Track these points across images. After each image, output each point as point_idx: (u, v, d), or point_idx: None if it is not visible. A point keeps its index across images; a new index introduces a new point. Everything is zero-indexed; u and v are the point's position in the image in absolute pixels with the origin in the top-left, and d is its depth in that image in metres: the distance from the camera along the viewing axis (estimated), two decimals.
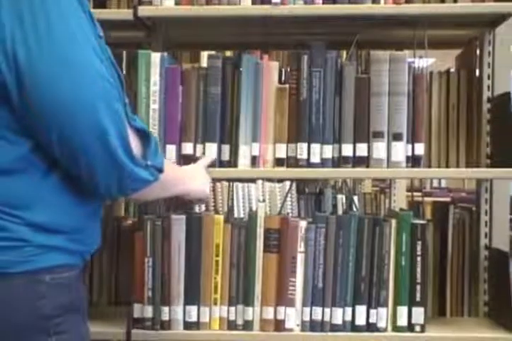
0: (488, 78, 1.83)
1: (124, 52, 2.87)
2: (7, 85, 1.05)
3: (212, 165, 1.64)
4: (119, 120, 1.08)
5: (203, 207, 2.43)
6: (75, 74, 1.04)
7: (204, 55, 2.62)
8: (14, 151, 1.07)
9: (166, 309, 1.64)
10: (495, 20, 1.77)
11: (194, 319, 1.65)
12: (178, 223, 1.64)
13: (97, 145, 1.07)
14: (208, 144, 1.66)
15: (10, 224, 1.06)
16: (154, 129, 1.65)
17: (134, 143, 1.13)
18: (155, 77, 1.65)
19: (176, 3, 1.71)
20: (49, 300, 1.09)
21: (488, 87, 1.82)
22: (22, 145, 1.08)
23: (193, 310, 1.64)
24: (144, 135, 1.16)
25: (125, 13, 1.70)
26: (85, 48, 1.07)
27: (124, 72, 2.66)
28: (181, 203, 1.60)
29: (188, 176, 1.39)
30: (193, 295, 1.64)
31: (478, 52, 1.88)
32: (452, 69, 1.90)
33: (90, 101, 1.05)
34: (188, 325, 1.65)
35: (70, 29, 1.06)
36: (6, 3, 1.04)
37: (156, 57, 1.65)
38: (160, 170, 1.17)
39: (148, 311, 1.64)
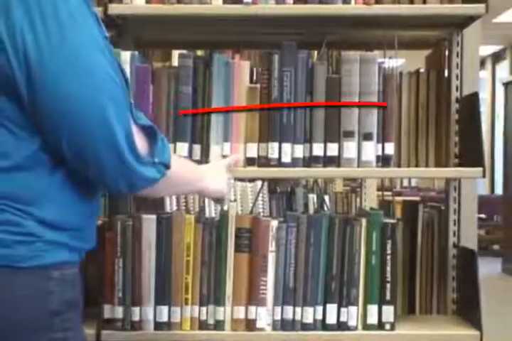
0: (457, 78, 1.85)
1: None
2: (17, 83, 1.06)
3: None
4: (125, 120, 1.10)
5: (174, 207, 2.42)
6: (83, 76, 1.06)
7: (175, 53, 2.61)
8: (24, 148, 1.09)
9: (136, 309, 1.63)
10: (463, 22, 1.79)
11: (165, 319, 1.64)
12: (149, 223, 1.64)
13: (105, 145, 1.08)
14: (179, 144, 1.66)
15: (21, 219, 1.08)
16: None
17: (141, 142, 1.13)
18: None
19: (147, 2, 1.70)
20: (57, 296, 1.11)
21: (457, 87, 1.84)
22: (32, 142, 1.09)
23: (163, 310, 1.64)
24: (150, 132, 1.17)
25: (95, 12, 1.69)
26: (94, 49, 1.08)
27: None
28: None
29: (203, 174, 1.38)
30: (163, 295, 1.64)
31: (447, 52, 1.90)
32: (422, 70, 1.91)
33: (98, 102, 1.07)
34: (158, 326, 1.64)
35: (78, 30, 1.07)
36: (16, 3, 1.05)
37: (126, 55, 1.64)
38: (167, 167, 1.19)
39: (119, 312, 1.63)
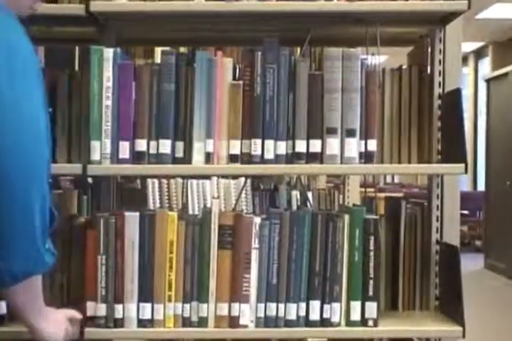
0: (439, 75, 1.85)
1: (77, 48, 2.83)
2: None
3: (166, 161, 1.64)
4: (45, 204, 1.23)
5: (158, 204, 2.42)
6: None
7: (158, 50, 2.60)
8: None
9: (119, 307, 1.63)
10: (445, 18, 1.80)
11: (148, 316, 1.64)
12: (132, 220, 1.63)
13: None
14: (161, 141, 1.65)
15: None
16: (107, 126, 1.63)
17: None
18: (108, 73, 1.63)
19: None
20: None
21: (439, 83, 1.85)
22: None
23: (146, 307, 1.63)
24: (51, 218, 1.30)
25: (77, 8, 1.68)
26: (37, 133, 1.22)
27: (77, 68, 2.63)
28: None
29: (45, 310, 1.37)
30: (146, 293, 1.63)
31: (429, 49, 1.91)
32: (404, 66, 1.92)
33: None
34: (141, 323, 1.64)
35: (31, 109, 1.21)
36: None
37: (108, 52, 1.63)
38: (54, 255, 1.31)
39: (102, 309, 1.63)
